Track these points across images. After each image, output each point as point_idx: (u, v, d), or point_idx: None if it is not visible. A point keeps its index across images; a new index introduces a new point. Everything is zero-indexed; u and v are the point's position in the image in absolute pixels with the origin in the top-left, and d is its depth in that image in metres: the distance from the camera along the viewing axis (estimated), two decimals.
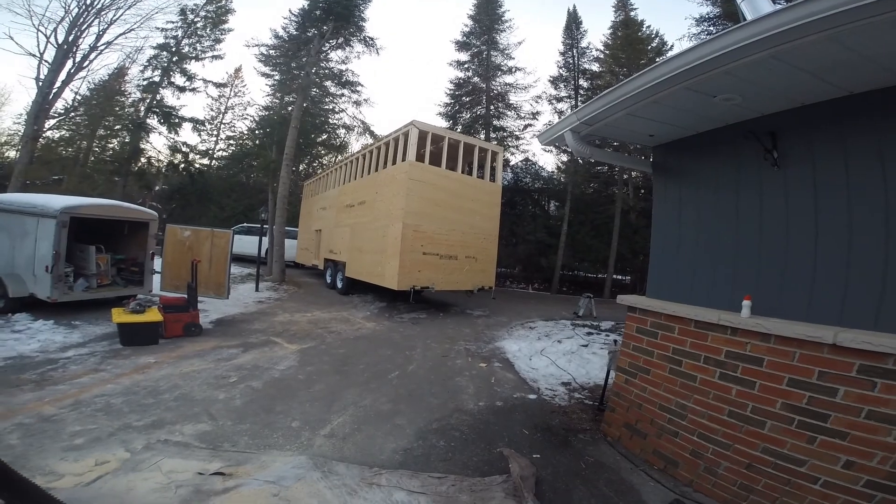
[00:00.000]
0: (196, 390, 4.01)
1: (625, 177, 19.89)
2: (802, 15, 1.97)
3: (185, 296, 6.30)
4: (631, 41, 19.34)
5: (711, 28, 14.68)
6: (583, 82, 20.12)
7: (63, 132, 19.38)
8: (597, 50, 20.60)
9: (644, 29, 19.76)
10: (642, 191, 22.37)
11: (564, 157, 23.32)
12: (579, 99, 19.59)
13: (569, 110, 19.98)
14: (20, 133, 16.94)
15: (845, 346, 2.25)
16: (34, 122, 13.38)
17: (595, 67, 20.49)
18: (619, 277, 20.43)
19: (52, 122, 15.92)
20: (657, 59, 20.42)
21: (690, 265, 3.67)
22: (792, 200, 2.96)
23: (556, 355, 6.31)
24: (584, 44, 20.58)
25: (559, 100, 20.56)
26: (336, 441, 3.25)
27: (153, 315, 5.50)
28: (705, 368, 2.95)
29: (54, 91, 13.76)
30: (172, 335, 5.73)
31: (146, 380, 4.17)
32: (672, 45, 18.85)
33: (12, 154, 20.87)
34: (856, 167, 2.61)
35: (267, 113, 21.78)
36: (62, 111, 16.37)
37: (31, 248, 6.26)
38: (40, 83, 13.13)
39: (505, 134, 21.29)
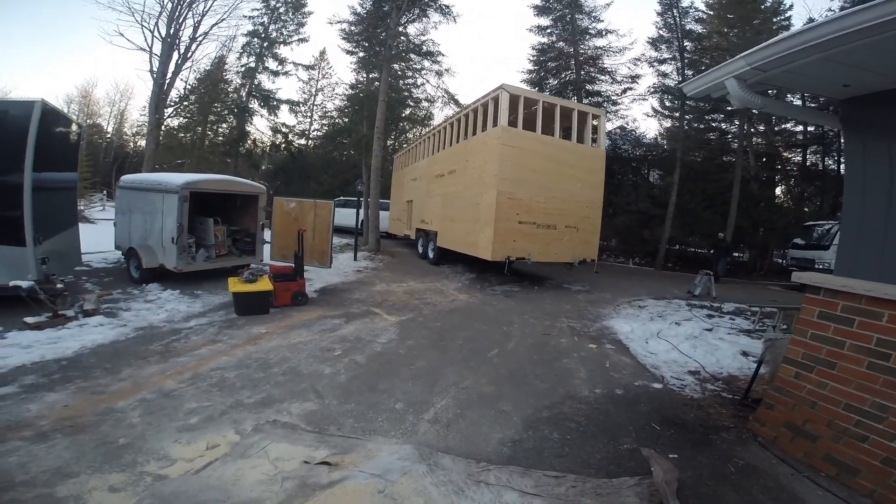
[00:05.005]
0: (303, 364, 4.04)
1: (744, 143, 17.43)
2: None
3: (293, 265, 6.53)
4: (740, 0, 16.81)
5: None
6: (687, 44, 17.96)
7: (180, 120, 21.82)
8: (700, 11, 18.39)
9: None
10: (764, 158, 19.67)
11: (668, 123, 21.13)
12: (684, 61, 17.68)
13: (674, 73, 18.23)
14: (146, 123, 19.04)
15: None
16: (154, 111, 14.78)
17: (699, 29, 18.35)
18: (736, 255, 18.27)
19: (169, 110, 17.67)
20: (774, 19, 17.53)
21: None
22: None
23: (676, 339, 5.53)
24: (685, 3, 18.19)
25: (661, 62, 18.64)
26: (440, 428, 3.01)
27: (265, 284, 5.77)
28: None
29: (167, 82, 14.98)
30: (281, 304, 5.98)
31: (258, 351, 4.30)
32: (791, 4, 16.18)
33: (142, 143, 24.09)
34: None
35: (354, 91, 22.58)
36: (176, 100, 18.15)
37: (160, 223, 6.88)
38: (154, 75, 14.29)
39: (600, 99, 19.59)
